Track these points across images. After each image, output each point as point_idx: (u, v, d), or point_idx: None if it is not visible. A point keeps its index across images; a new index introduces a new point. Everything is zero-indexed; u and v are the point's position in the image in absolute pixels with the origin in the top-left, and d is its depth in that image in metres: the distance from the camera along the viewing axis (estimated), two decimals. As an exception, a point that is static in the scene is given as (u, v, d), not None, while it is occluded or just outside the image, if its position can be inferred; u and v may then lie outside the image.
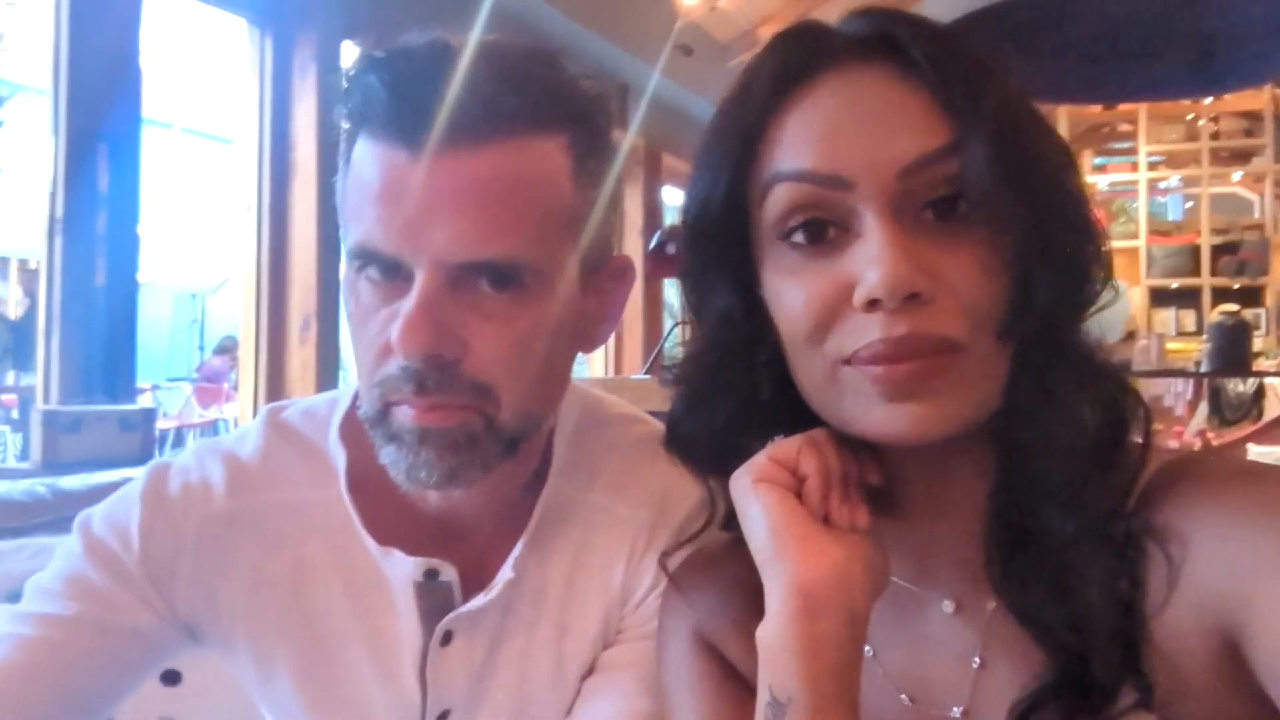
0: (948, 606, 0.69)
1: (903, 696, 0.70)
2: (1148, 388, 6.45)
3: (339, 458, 0.88)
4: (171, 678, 1.21)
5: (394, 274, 0.76)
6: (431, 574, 0.84)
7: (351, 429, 0.88)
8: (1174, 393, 5.89)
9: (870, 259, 0.60)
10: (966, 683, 0.67)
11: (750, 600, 0.73)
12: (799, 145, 0.63)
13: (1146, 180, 7.84)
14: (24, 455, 2.59)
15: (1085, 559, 0.60)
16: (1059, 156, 0.64)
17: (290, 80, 3.81)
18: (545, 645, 0.88)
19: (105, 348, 3.13)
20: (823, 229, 0.63)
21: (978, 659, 0.67)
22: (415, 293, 0.74)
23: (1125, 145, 8.22)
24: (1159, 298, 7.94)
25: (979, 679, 0.67)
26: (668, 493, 0.89)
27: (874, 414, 0.62)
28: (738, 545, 0.74)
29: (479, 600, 0.85)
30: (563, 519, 0.89)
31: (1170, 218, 9.17)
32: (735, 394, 0.70)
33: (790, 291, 0.64)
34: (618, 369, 5.94)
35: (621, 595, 0.88)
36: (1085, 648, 0.59)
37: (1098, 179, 8.03)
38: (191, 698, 1.21)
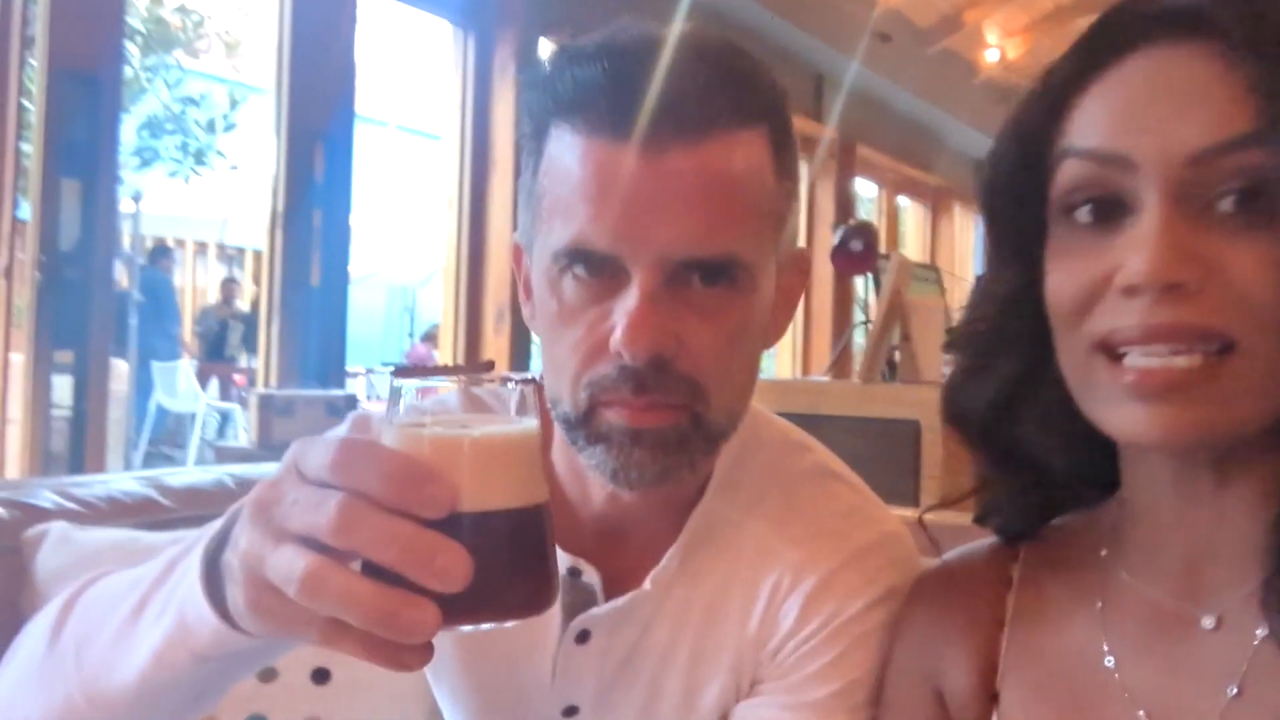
0: (1208, 622, 0.63)
1: (1140, 713, 0.65)
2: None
3: None
4: (321, 676, 1.18)
5: (603, 271, 0.74)
6: (574, 572, 0.84)
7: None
8: None
9: (1137, 243, 0.57)
10: (1215, 710, 0.62)
11: (987, 631, 0.72)
12: (1092, 122, 0.61)
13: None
14: (248, 434, 2.81)
15: None
16: None
17: (491, 78, 3.96)
18: (679, 670, 0.85)
19: (319, 337, 3.34)
20: (1103, 210, 0.61)
21: (1235, 687, 0.61)
22: (637, 291, 0.72)
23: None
24: None
25: (1231, 708, 0.61)
26: (822, 535, 0.85)
27: (1122, 412, 0.59)
28: (989, 564, 0.75)
29: (608, 605, 0.84)
30: (713, 540, 0.85)
31: None
32: (1007, 370, 0.69)
33: (1060, 270, 0.63)
34: (805, 369, 5.87)
35: (757, 636, 0.83)
36: None
37: None
38: (340, 696, 1.18)
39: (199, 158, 10.76)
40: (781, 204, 0.78)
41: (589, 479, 0.82)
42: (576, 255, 0.74)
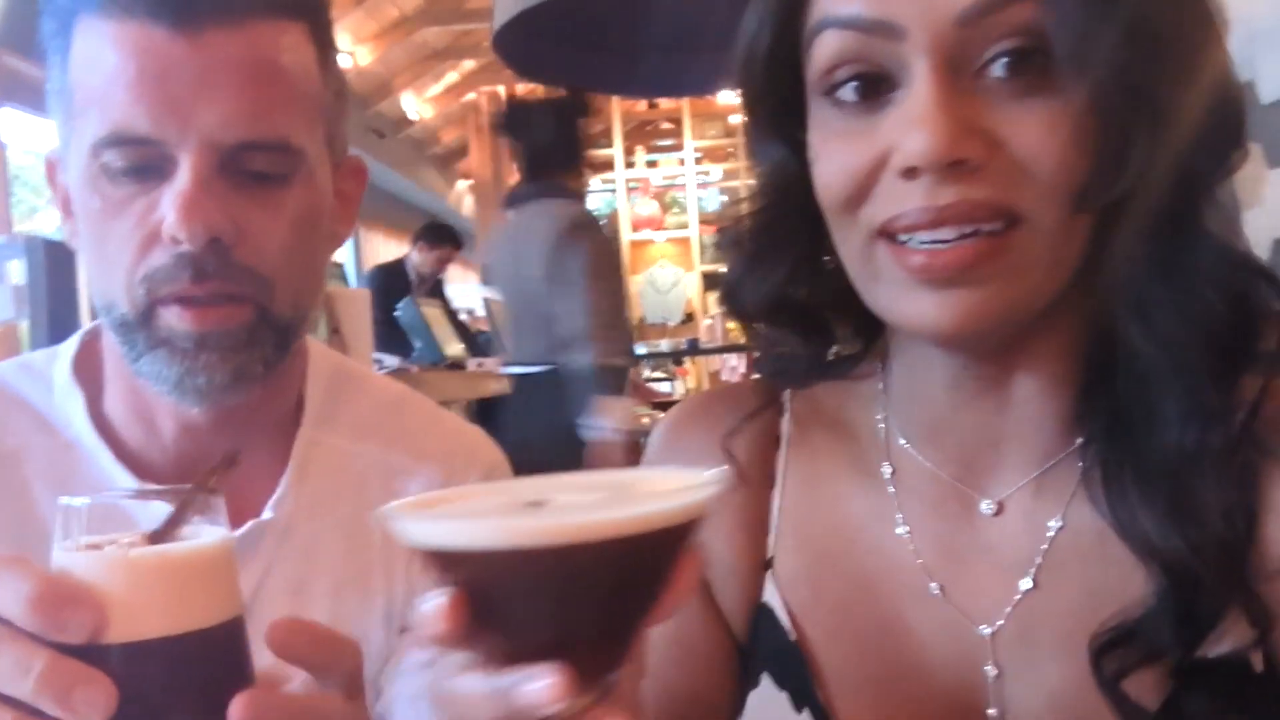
0: (987, 507, 0.62)
1: (933, 585, 0.63)
2: (710, 363, 7.01)
3: (74, 399, 0.82)
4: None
5: (149, 160, 0.72)
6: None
7: (85, 368, 0.84)
8: (729, 366, 6.47)
9: (912, 120, 0.53)
10: (1006, 602, 0.61)
11: (753, 490, 0.69)
12: None
13: (695, 174, 8.45)
14: None
15: (1206, 476, 0.54)
16: (1192, 12, 0.55)
17: None
18: (320, 606, 0.81)
19: None
20: (869, 86, 0.56)
21: (1030, 580, 0.60)
22: (188, 173, 0.71)
23: (670, 142, 8.86)
24: (713, 281, 8.64)
25: (1025, 602, 0.60)
26: (453, 453, 0.89)
27: (910, 302, 0.56)
28: (752, 418, 0.71)
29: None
30: (327, 471, 0.84)
31: (712, 209, 10.01)
32: (789, 254, 0.65)
33: (827, 156, 0.58)
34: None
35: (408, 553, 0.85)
36: (1198, 576, 0.53)
37: (650, 174, 8.58)
38: None
39: None
40: (329, 100, 0.80)
41: (154, 416, 0.78)
42: (117, 141, 0.72)
